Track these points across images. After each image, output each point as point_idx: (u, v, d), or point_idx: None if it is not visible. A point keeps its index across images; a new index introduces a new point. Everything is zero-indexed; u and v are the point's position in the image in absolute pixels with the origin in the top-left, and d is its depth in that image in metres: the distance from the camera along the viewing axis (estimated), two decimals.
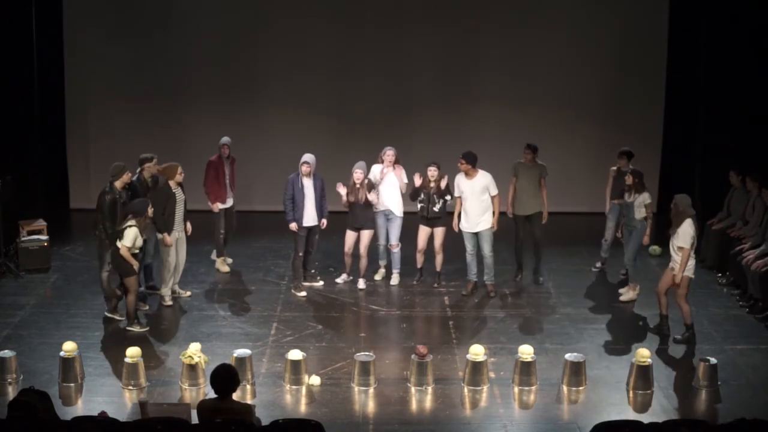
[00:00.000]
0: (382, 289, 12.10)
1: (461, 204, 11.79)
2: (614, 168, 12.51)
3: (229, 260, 12.83)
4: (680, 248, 10.28)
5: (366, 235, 11.91)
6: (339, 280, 12.22)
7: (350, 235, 11.98)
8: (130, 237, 10.50)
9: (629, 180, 11.57)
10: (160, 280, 11.47)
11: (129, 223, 10.55)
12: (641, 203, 11.51)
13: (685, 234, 10.27)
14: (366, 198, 11.73)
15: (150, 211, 10.71)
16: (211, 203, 12.31)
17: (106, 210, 10.86)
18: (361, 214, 11.83)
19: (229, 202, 12.60)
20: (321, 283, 12.15)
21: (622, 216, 12.10)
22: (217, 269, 12.63)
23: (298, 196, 11.57)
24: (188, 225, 11.47)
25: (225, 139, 12.50)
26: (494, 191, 11.73)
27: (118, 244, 10.53)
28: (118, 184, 10.96)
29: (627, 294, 11.76)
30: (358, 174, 11.71)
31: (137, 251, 10.68)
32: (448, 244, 12.15)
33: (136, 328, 10.65)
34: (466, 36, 15.07)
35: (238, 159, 12.81)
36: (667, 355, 10.24)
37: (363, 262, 11.99)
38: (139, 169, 11.48)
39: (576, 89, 15.20)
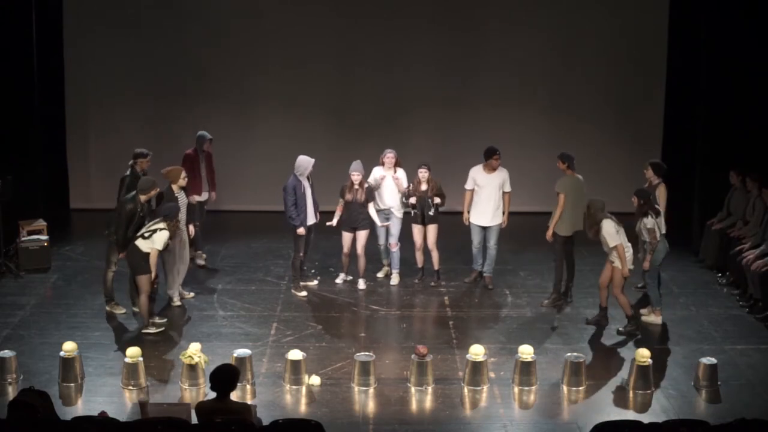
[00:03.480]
0: (382, 289, 12.10)
1: (472, 197, 11.89)
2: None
3: (204, 256, 12.82)
4: (613, 248, 10.32)
5: (362, 235, 11.89)
6: (338, 281, 12.22)
7: (346, 236, 11.95)
8: (162, 240, 10.34)
9: (634, 201, 10.69)
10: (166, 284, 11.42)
11: (160, 225, 10.38)
12: (641, 228, 10.61)
13: (609, 235, 10.30)
14: (364, 198, 11.72)
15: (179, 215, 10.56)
16: (188, 196, 11.85)
17: (123, 218, 10.65)
18: (357, 213, 11.80)
19: (204, 196, 12.58)
20: (316, 282, 12.14)
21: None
22: (196, 263, 12.57)
23: (300, 201, 11.55)
24: (191, 228, 11.47)
25: (207, 134, 12.55)
26: (508, 188, 11.90)
27: (143, 246, 10.32)
28: (143, 197, 10.76)
29: (649, 317, 11.08)
30: (356, 176, 11.69)
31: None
32: (444, 243, 12.19)
33: (152, 330, 10.50)
34: (465, 35, 15.04)
35: (241, 158, 12.78)
36: (667, 355, 10.24)
37: (361, 262, 11.98)
38: (132, 162, 11.43)
39: (576, 89, 15.18)
